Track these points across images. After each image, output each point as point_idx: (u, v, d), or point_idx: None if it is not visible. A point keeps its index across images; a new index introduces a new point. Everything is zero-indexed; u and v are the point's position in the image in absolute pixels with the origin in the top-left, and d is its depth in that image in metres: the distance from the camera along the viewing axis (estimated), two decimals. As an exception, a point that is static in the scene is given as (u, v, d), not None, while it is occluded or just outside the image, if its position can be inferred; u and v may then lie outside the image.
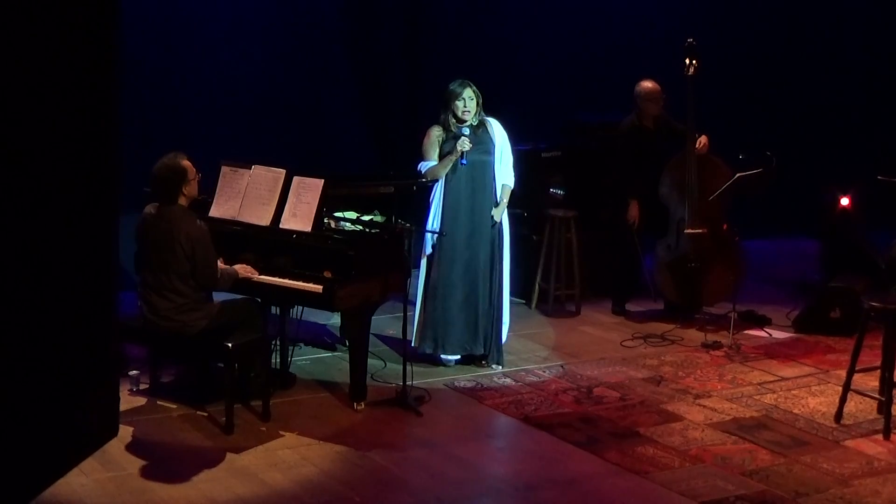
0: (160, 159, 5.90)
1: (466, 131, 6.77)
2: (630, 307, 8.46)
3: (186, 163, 5.90)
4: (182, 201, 5.91)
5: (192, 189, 5.94)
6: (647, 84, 8.12)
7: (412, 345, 6.89)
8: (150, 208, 5.97)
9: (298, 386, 6.62)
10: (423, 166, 6.86)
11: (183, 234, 5.79)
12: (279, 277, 6.14)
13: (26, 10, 4.13)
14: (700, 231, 7.93)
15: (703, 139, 7.91)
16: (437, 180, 6.84)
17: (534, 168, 8.70)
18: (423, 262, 6.96)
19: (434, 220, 6.87)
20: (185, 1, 8.83)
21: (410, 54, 9.75)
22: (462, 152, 6.73)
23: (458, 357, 7.02)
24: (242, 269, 6.10)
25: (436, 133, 6.88)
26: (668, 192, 8.02)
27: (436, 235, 6.82)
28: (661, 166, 8.03)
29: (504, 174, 6.99)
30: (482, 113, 6.92)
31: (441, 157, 6.83)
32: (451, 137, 6.84)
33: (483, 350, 7.01)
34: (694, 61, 7.91)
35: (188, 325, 5.88)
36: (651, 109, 8.12)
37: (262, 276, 6.16)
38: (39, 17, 4.22)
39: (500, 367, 7.03)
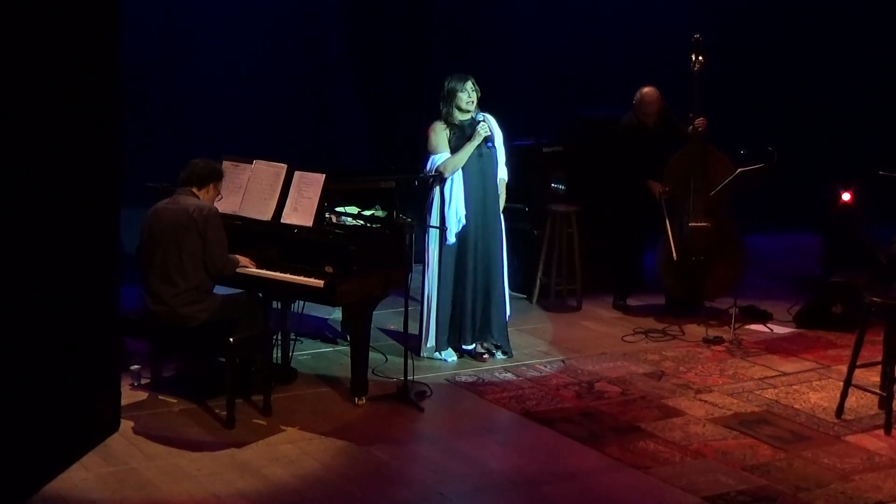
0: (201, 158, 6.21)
1: (481, 117, 6.86)
2: (631, 302, 8.46)
3: (223, 171, 6.28)
4: (202, 196, 6.07)
5: (213, 193, 6.14)
6: (644, 91, 8.12)
7: (428, 345, 6.99)
8: (162, 201, 6.05)
9: (299, 381, 6.62)
10: (437, 159, 6.85)
11: (198, 210, 5.90)
12: (280, 272, 6.14)
13: (28, 8, 4.14)
14: (703, 225, 7.94)
15: (702, 120, 7.90)
16: (443, 175, 6.84)
17: (535, 163, 8.72)
18: (435, 257, 6.92)
19: (455, 212, 6.85)
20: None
21: (411, 49, 9.74)
22: (486, 137, 6.82)
23: (456, 357, 7.05)
24: (242, 260, 6.12)
25: (441, 127, 6.90)
26: (671, 187, 8.01)
27: (456, 226, 6.83)
28: (661, 163, 8.02)
29: (501, 168, 7.06)
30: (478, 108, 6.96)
31: (451, 150, 6.84)
32: (456, 130, 6.87)
33: (496, 340, 7.08)
34: (700, 57, 7.92)
35: (190, 318, 5.89)
36: (643, 118, 8.14)
37: (264, 271, 6.17)
38: (41, 15, 4.23)
39: (509, 355, 7.09)
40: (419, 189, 7.03)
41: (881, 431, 5.94)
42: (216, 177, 6.15)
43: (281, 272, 6.15)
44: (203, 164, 6.13)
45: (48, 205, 4.39)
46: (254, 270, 6.18)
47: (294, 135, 9.14)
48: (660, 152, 8.05)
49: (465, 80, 6.87)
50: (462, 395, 6.51)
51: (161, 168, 6.70)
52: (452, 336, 7.04)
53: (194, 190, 6.05)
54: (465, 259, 6.94)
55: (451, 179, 6.86)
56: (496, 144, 6.97)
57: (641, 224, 8.23)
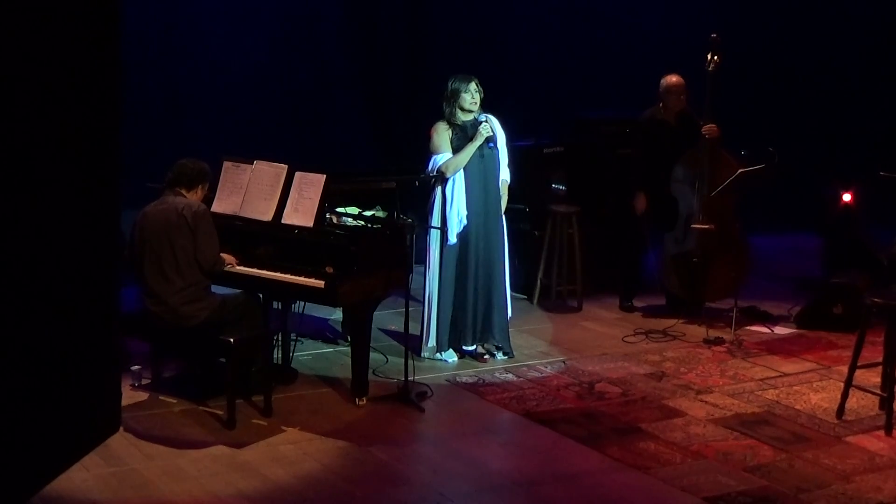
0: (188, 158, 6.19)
1: (483, 118, 6.85)
2: (633, 302, 8.45)
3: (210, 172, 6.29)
4: (190, 197, 6.06)
5: (202, 194, 6.15)
6: (672, 78, 8.08)
7: (429, 345, 6.99)
8: (150, 204, 6.04)
9: (300, 381, 6.63)
10: (439, 160, 6.85)
11: (187, 208, 5.91)
12: (281, 272, 6.14)
13: (29, 8, 4.14)
14: (707, 227, 7.91)
15: (712, 126, 7.88)
16: (445, 175, 6.83)
17: (536, 164, 8.73)
18: (436, 257, 6.92)
19: (456, 213, 6.85)
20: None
21: (412, 50, 9.75)
22: (488, 137, 6.81)
23: (457, 357, 7.05)
24: (227, 258, 6.12)
25: (443, 127, 6.90)
26: (679, 187, 8.01)
27: (457, 226, 6.83)
28: (676, 160, 8.00)
29: (503, 169, 7.05)
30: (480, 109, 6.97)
31: (453, 150, 6.84)
32: (459, 130, 6.88)
33: (497, 340, 7.08)
34: (716, 57, 7.82)
35: (190, 317, 5.89)
36: (673, 103, 8.08)
37: (264, 271, 6.16)
38: (41, 15, 4.23)
39: (510, 356, 7.10)
40: (420, 189, 7.03)
41: (882, 432, 5.95)
42: (205, 178, 6.15)
43: (281, 272, 6.14)
44: (192, 165, 6.11)
45: (48, 205, 4.38)
46: (254, 270, 6.18)
47: (295, 135, 9.14)
48: (678, 149, 7.99)
49: (469, 81, 6.87)
50: (463, 396, 6.51)
51: (161, 168, 6.68)
52: (453, 337, 7.05)
53: (183, 191, 6.04)
54: (466, 260, 6.94)
55: (453, 180, 6.86)
56: (499, 145, 6.97)
57: (644, 224, 8.22)
